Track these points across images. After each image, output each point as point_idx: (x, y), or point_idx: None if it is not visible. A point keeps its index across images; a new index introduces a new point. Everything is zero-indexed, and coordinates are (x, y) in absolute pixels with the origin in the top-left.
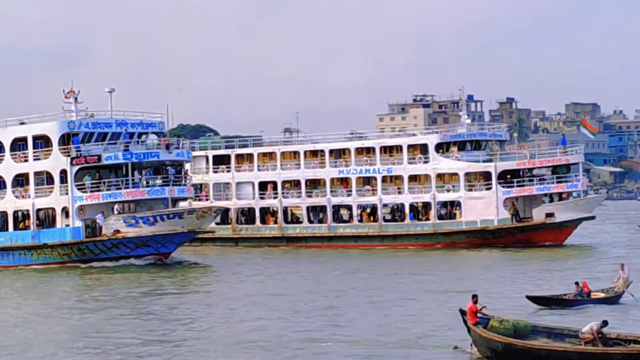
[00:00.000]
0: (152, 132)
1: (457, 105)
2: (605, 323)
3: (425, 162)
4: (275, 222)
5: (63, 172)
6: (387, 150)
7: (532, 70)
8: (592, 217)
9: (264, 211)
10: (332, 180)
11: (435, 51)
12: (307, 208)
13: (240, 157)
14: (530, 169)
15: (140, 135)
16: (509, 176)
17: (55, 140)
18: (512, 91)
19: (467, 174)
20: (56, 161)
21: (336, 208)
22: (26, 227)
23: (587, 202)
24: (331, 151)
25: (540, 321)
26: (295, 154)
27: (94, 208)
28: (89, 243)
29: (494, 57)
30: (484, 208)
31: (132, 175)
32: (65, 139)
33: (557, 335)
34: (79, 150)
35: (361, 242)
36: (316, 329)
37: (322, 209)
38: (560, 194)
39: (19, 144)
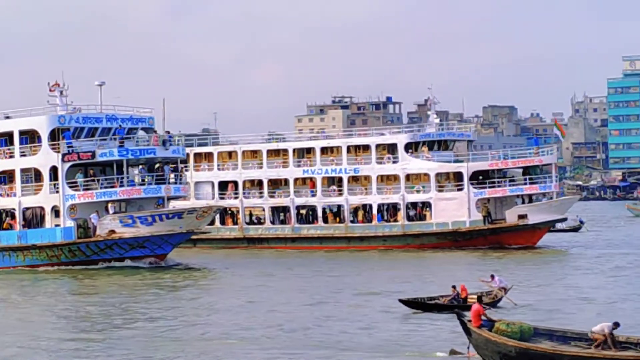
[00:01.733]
0: (142, 128)
1: (376, 106)
2: (617, 325)
3: (395, 162)
4: (236, 223)
5: (53, 169)
6: (354, 149)
7: (450, 73)
8: (565, 219)
9: (224, 212)
10: (295, 180)
11: (355, 53)
12: (270, 209)
13: (198, 156)
14: (500, 170)
15: (129, 131)
16: (481, 177)
17: (44, 136)
18: (430, 93)
19: (437, 175)
20: (46, 157)
21: (301, 209)
22: (10, 227)
23: (560, 204)
24: (295, 150)
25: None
26: (257, 152)
27: (85, 207)
28: (81, 244)
29: (413, 59)
30: (455, 209)
31: (124, 172)
32: (54, 134)
33: (560, 338)
34: (71, 146)
35: (326, 243)
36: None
37: (285, 209)
38: (530, 196)
39: (2, 139)
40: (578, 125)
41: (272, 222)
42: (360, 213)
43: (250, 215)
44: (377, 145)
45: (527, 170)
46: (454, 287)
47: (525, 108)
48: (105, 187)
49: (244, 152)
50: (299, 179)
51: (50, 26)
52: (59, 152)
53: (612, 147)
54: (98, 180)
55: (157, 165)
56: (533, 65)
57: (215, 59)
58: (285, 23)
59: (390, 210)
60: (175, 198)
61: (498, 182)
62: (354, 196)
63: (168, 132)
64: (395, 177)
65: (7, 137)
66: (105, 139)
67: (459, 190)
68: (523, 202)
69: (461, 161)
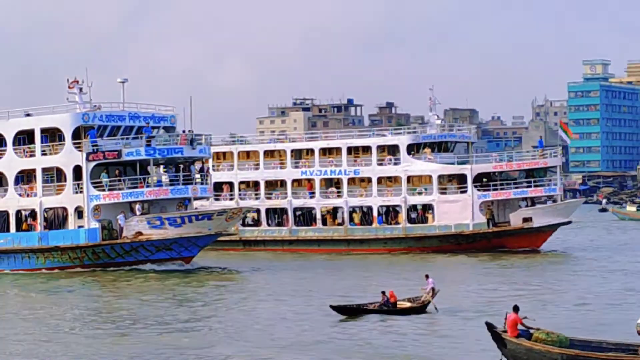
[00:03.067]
0: (163, 127)
1: (337, 109)
2: None
3: (396, 164)
4: None
5: (76, 169)
6: (354, 150)
7: (411, 76)
8: (569, 222)
9: None
10: (293, 181)
11: (317, 55)
12: (267, 210)
13: None
14: (501, 172)
15: (153, 129)
16: (485, 179)
17: (68, 134)
18: (391, 96)
19: (440, 177)
20: (69, 156)
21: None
22: (30, 228)
23: (565, 207)
24: (293, 151)
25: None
26: (254, 153)
27: (109, 208)
28: (106, 246)
29: (375, 61)
30: (458, 212)
31: (151, 172)
32: (78, 133)
33: (596, 349)
34: (96, 145)
35: (325, 246)
36: None
37: (282, 211)
38: (532, 199)
39: (20, 137)
40: (538, 128)
41: (269, 224)
42: (357, 215)
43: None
44: (378, 147)
45: (530, 173)
46: (383, 292)
47: (486, 111)
48: (130, 188)
49: (239, 152)
50: (297, 180)
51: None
52: (82, 150)
53: (573, 151)
54: (124, 180)
55: (181, 165)
56: (494, 68)
57: (178, 58)
58: (246, 25)
59: (391, 213)
60: (200, 199)
61: (501, 184)
62: (353, 198)
63: (191, 131)
64: (397, 179)
65: (26, 135)
66: (125, 138)
67: (462, 192)
68: (527, 205)
69: (464, 163)
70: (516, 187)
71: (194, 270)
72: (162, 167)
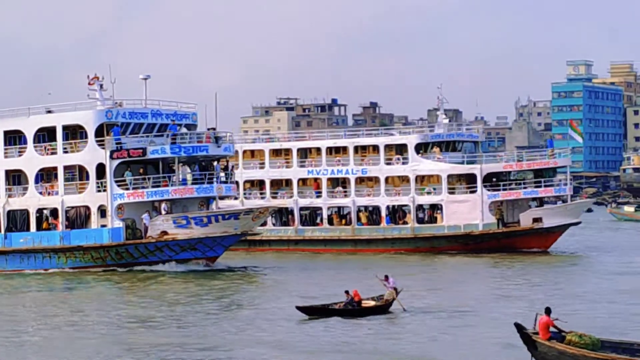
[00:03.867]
0: (185, 125)
1: (321, 108)
2: None
3: (404, 163)
4: None
5: (98, 167)
6: (361, 149)
7: (395, 76)
8: (579, 223)
9: None
10: (299, 181)
11: (301, 54)
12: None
13: None
14: (508, 172)
15: (177, 127)
16: (494, 179)
17: (91, 131)
18: (375, 96)
19: (449, 176)
20: (92, 154)
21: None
22: (50, 227)
23: (575, 207)
24: (299, 150)
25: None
26: (259, 152)
27: (132, 207)
28: (130, 246)
29: (360, 62)
30: (467, 212)
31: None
32: (100, 130)
33: (627, 351)
34: (120, 143)
35: (331, 246)
36: None
37: (288, 211)
38: (541, 199)
39: (40, 135)
40: (522, 129)
41: (274, 224)
42: (364, 215)
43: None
44: (386, 146)
45: (538, 173)
46: (347, 292)
47: (470, 112)
48: (154, 186)
49: (244, 151)
50: (303, 179)
51: None
52: (105, 148)
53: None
54: (150, 178)
55: (202, 163)
56: (478, 69)
57: (166, 58)
58: (230, 23)
59: (398, 213)
60: (225, 198)
61: (510, 184)
62: (361, 198)
63: (214, 129)
64: (405, 179)
65: (46, 133)
66: (147, 135)
67: (471, 192)
68: (537, 206)
69: (473, 162)
70: (526, 187)
71: (218, 271)
72: (183, 165)
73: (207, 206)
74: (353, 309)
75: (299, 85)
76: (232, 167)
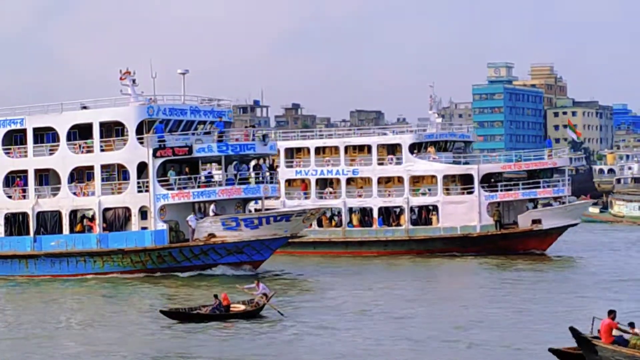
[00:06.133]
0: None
1: (243, 110)
2: None
3: (398, 163)
4: None
5: (140, 166)
6: (351, 149)
7: (317, 77)
8: (577, 224)
9: None
10: (286, 181)
11: (222, 53)
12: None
13: None
14: (500, 173)
15: (210, 124)
16: (492, 180)
17: (132, 128)
18: (298, 98)
19: (445, 177)
20: (133, 152)
21: None
22: (84, 229)
23: (575, 208)
24: (286, 150)
25: None
26: None
27: (174, 208)
28: (174, 249)
29: (282, 64)
30: (464, 213)
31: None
32: (140, 127)
33: None
34: (163, 141)
35: (321, 248)
36: None
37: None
38: (537, 200)
39: (72, 132)
40: None
41: None
42: (356, 217)
43: None
44: (379, 146)
45: (532, 173)
46: (215, 296)
47: (392, 113)
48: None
49: None
50: (290, 180)
51: None
52: (146, 146)
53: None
54: (195, 178)
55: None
56: (399, 70)
57: (91, 58)
58: (152, 23)
59: (392, 214)
60: (270, 198)
61: (507, 185)
62: (352, 199)
63: (253, 126)
64: (398, 179)
65: (78, 130)
66: (189, 133)
67: (468, 193)
68: (534, 207)
69: (468, 163)
70: (525, 188)
71: (264, 275)
72: (214, 164)
73: (243, 207)
74: (220, 314)
75: (220, 86)
76: (277, 166)
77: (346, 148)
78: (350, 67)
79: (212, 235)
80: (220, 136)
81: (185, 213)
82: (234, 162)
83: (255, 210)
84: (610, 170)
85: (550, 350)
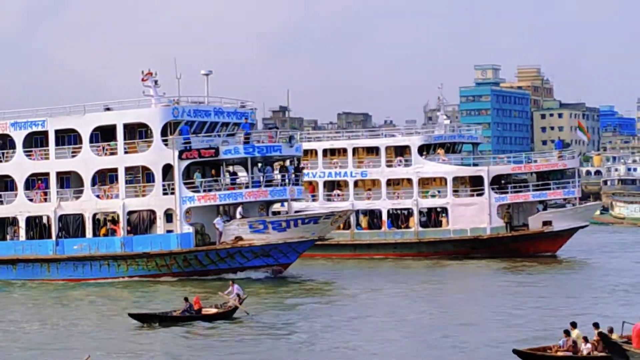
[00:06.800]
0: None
1: None
2: None
3: (407, 165)
4: None
5: (165, 168)
6: (359, 151)
7: (305, 79)
8: (587, 226)
9: None
10: None
11: (208, 55)
12: None
13: None
14: (509, 175)
15: (233, 126)
16: (503, 181)
17: (157, 130)
18: (285, 100)
19: (454, 179)
20: (158, 154)
21: None
22: (107, 233)
23: (585, 210)
24: None
25: None
26: None
27: (200, 211)
28: (200, 252)
29: (268, 65)
30: (474, 215)
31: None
32: (165, 129)
33: None
34: (188, 142)
35: (329, 251)
36: None
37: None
38: (545, 202)
39: (95, 134)
40: None
41: None
42: (365, 219)
43: None
44: (387, 147)
45: (542, 175)
46: (186, 299)
47: (379, 115)
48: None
49: None
50: None
51: None
52: (171, 148)
53: (464, 155)
54: (220, 180)
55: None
56: (387, 72)
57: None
58: (140, 24)
59: (401, 216)
60: (296, 201)
61: (518, 186)
62: (360, 201)
63: (277, 127)
64: (407, 181)
65: (100, 132)
66: (213, 135)
67: (478, 195)
68: (544, 209)
69: (476, 165)
70: (535, 190)
71: (289, 280)
72: (233, 166)
73: (266, 210)
74: (191, 316)
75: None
76: (302, 167)
77: (354, 150)
78: (337, 70)
79: (239, 238)
80: (247, 138)
81: (210, 216)
82: (258, 164)
83: (273, 213)
84: (597, 172)
85: (515, 351)
